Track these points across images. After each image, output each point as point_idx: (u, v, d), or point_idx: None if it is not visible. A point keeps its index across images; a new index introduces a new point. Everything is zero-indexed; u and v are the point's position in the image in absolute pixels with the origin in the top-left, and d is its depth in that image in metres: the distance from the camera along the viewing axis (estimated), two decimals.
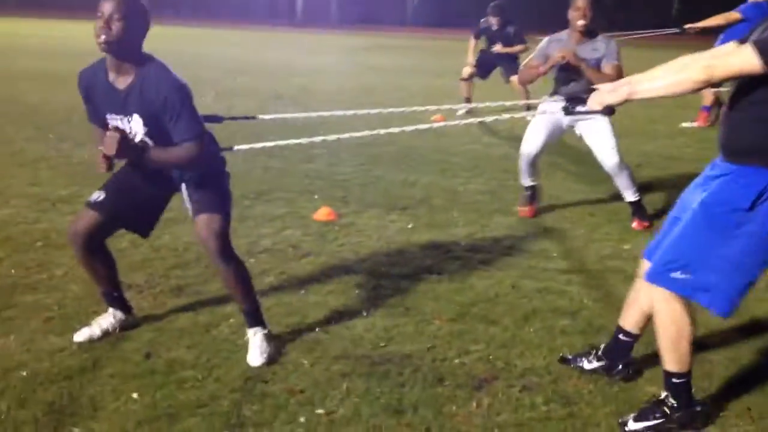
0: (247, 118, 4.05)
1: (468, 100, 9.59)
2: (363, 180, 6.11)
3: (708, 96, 9.05)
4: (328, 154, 6.98)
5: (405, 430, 2.60)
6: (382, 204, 5.41)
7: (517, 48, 9.62)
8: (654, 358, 3.15)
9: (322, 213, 5.01)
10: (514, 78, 8.93)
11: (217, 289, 3.66)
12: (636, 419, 2.65)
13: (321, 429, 2.59)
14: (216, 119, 3.19)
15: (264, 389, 2.82)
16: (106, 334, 3.17)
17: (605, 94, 2.50)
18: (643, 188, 5.35)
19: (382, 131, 3.44)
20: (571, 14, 4.75)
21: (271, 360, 3.03)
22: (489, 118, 6.97)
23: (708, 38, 8.55)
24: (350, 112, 3.85)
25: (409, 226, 4.94)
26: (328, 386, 2.86)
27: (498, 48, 9.61)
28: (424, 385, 2.89)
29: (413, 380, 2.92)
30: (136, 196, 3.09)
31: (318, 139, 3.49)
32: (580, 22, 4.73)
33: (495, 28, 9.64)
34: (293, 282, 3.90)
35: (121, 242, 4.16)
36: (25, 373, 2.86)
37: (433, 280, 3.99)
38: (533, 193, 5.25)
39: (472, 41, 10.11)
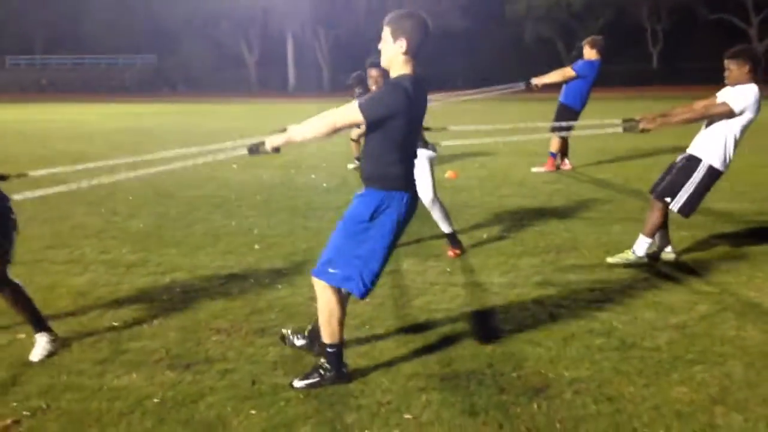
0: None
1: (359, 159, 10.51)
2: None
3: (555, 144, 10.23)
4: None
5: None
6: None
7: None
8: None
9: None
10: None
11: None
12: (300, 379, 3.55)
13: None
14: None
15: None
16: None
17: (273, 138, 3.56)
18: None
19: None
20: (370, 83, 5.97)
21: (51, 355, 3.90)
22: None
23: (551, 91, 10.04)
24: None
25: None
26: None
27: None
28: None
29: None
30: None
31: (94, 182, 4.22)
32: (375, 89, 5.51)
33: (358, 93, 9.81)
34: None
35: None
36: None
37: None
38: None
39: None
